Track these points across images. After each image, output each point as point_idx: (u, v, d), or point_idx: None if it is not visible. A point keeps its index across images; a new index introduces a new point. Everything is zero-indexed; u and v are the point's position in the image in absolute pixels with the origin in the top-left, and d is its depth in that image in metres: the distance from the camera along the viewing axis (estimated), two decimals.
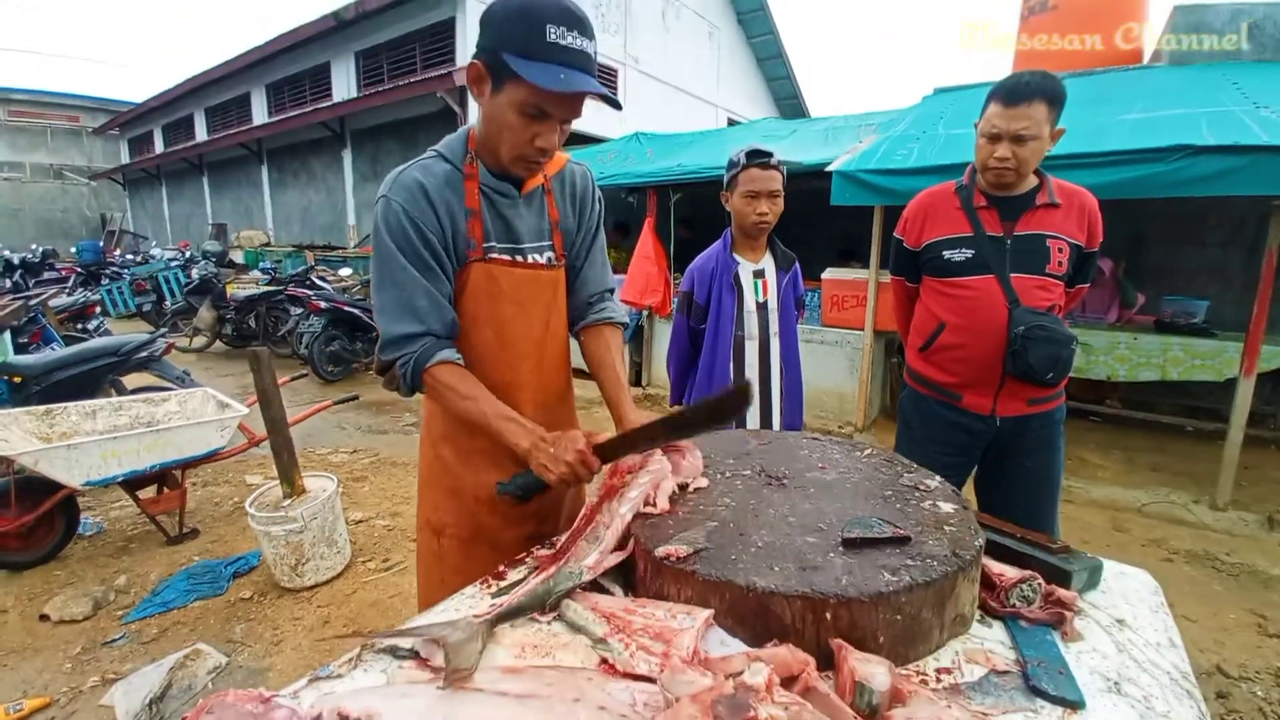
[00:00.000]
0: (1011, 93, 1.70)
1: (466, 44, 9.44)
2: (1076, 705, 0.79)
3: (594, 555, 0.99)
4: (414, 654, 0.84)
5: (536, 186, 1.31)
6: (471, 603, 1.00)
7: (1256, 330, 3.55)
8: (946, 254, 1.89)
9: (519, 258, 1.29)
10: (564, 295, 1.39)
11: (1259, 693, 2.20)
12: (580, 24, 1.07)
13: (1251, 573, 2.98)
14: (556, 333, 1.39)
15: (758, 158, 1.93)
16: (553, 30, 1.03)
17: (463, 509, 1.36)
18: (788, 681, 0.74)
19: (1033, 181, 1.85)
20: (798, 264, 2.16)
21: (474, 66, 1.11)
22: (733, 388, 1.13)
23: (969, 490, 2.02)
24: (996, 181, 1.81)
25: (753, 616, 0.86)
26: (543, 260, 1.32)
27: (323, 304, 6.58)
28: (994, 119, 1.74)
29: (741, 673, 0.71)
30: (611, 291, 1.48)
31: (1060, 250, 1.80)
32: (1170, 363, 4.36)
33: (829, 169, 4.38)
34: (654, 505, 1.06)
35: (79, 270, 10.87)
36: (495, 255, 1.26)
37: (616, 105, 1.15)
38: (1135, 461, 4.44)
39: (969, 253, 1.85)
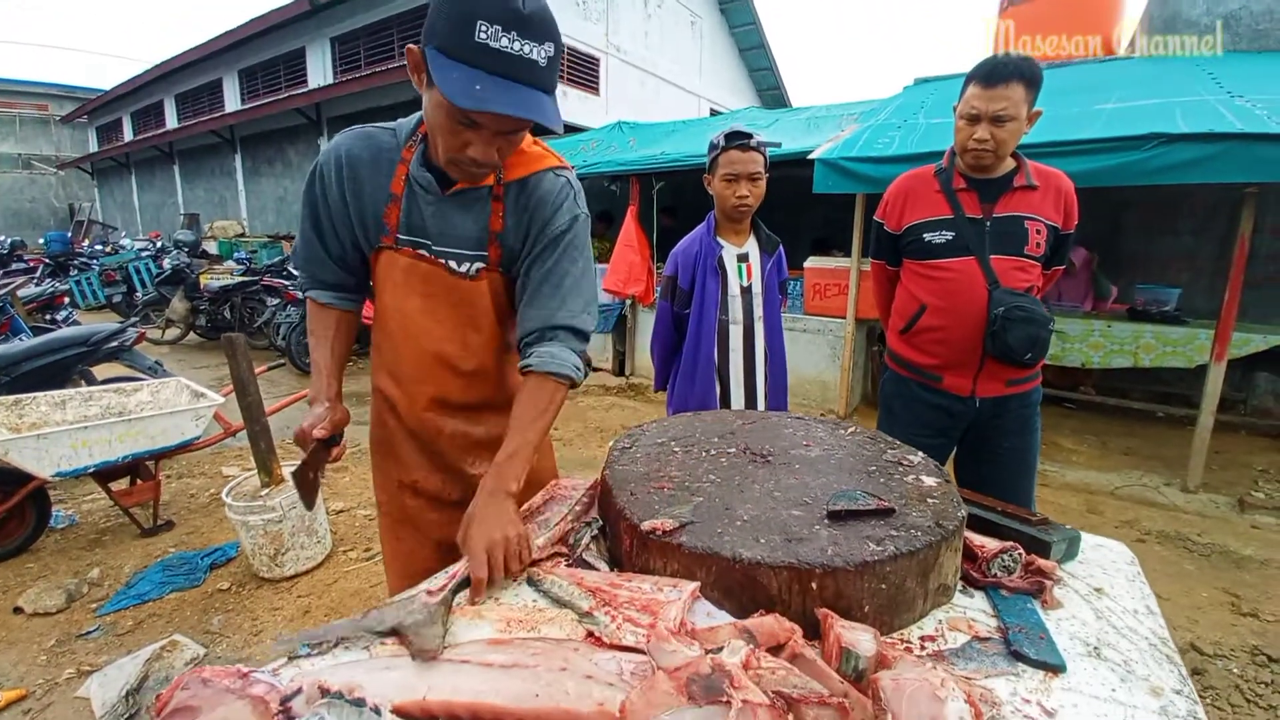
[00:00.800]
0: (990, 74, 1.70)
1: None
2: (1058, 669, 0.80)
3: (543, 538, 1.02)
4: (395, 631, 0.83)
5: (480, 189, 1.17)
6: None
7: (1227, 317, 3.63)
8: (927, 236, 1.89)
9: (427, 254, 1.20)
10: (495, 311, 1.25)
11: (1234, 670, 2.24)
12: (523, 23, 0.88)
13: (1223, 553, 3.05)
14: (478, 346, 1.26)
15: (737, 139, 1.91)
16: (483, 29, 0.86)
17: (390, 488, 1.39)
18: (775, 650, 0.75)
19: (1011, 164, 1.86)
20: (782, 248, 2.16)
21: (411, 53, 0.96)
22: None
23: (948, 471, 2.02)
24: (975, 163, 1.82)
25: (739, 588, 0.86)
26: (461, 269, 1.19)
27: (299, 294, 6.46)
28: (973, 100, 1.74)
29: (722, 648, 0.71)
30: (573, 330, 1.19)
31: (1038, 232, 1.82)
32: (1143, 350, 4.44)
33: (811, 157, 4.39)
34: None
35: (47, 261, 10.58)
36: (405, 247, 1.20)
37: (550, 130, 0.98)
38: (1108, 446, 4.53)
39: (949, 235, 1.86)
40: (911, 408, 2.01)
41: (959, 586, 0.99)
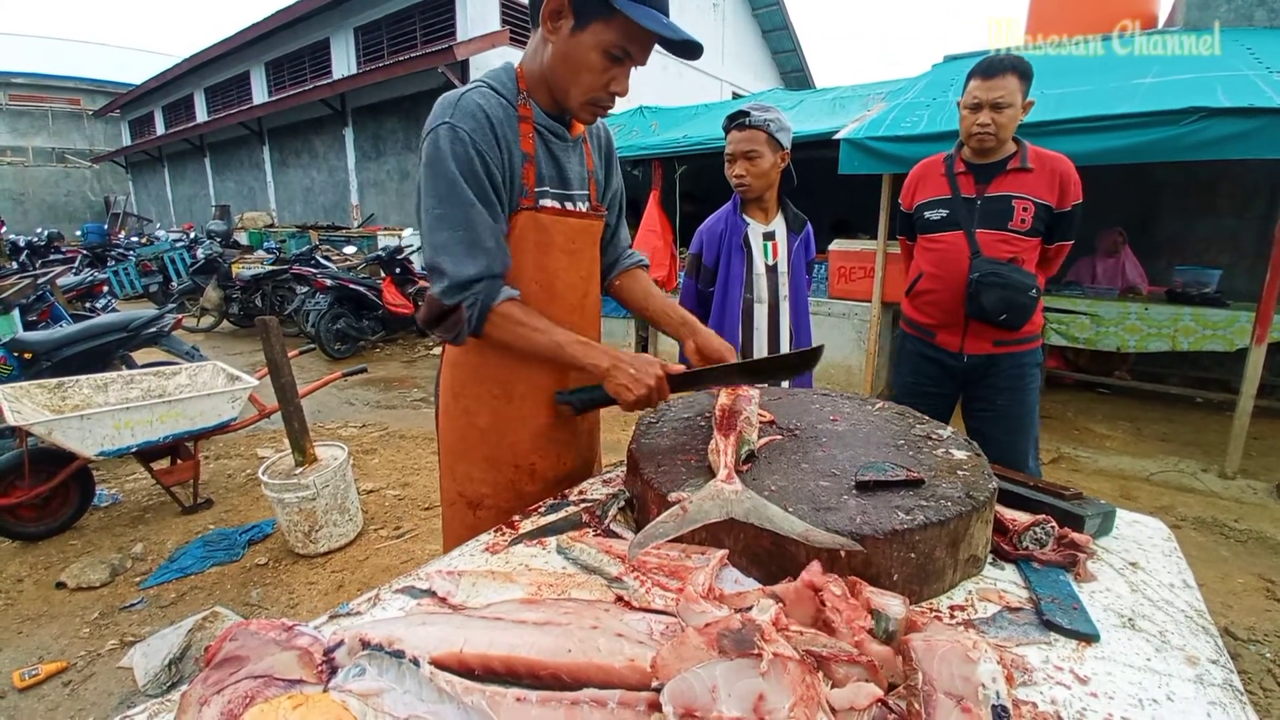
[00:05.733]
0: (988, 69, 1.97)
1: (466, 18, 9.30)
2: (1091, 638, 0.79)
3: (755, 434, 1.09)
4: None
5: (580, 133, 1.27)
6: (487, 552, 1.01)
7: (1269, 298, 3.51)
8: (927, 214, 2.18)
9: (568, 204, 1.24)
10: (599, 249, 1.39)
11: (1268, 655, 2.21)
12: None
13: (1260, 539, 2.98)
14: (595, 285, 1.38)
15: (734, 120, 1.94)
16: None
17: (501, 478, 1.31)
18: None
19: (1011, 148, 2.08)
20: (810, 227, 2.13)
21: None
22: (809, 348, 1.23)
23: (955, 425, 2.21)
24: (979, 146, 2.05)
25: (767, 556, 0.87)
26: (584, 209, 1.28)
27: (328, 282, 6.58)
28: (975, 91, 2.00)
29: (752, 608, 0.72)
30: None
31: (1025, 209, 2.03)
32: (1181, 333, 4.32)
33: (836, 137, 4.32)
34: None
35: (84, 252, 10.89)
36: (546, 204, 1.20)
37: (697, 53, 1.10)
38: (1143, 432, 4.43)
39: (944, 212, 2.14)
40: (913, 360, 2.32)
41: (990, 559, 0.98)
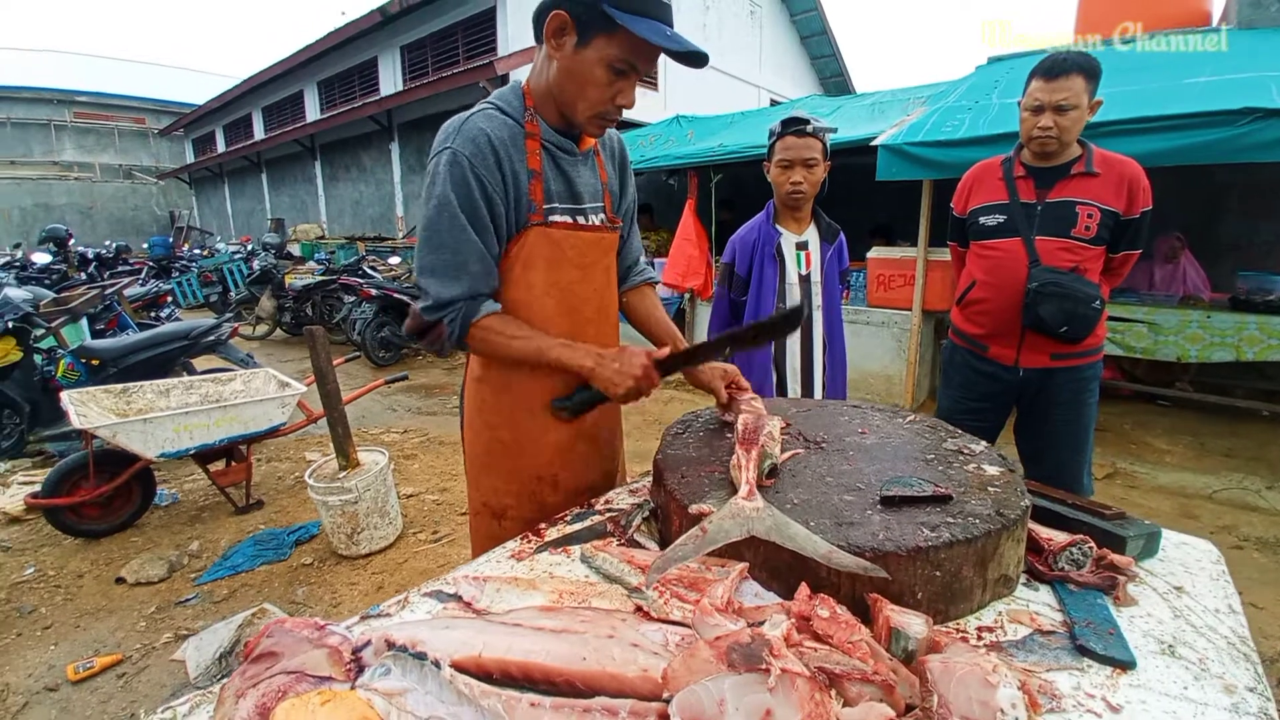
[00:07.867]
0: (1051, 68, 1.86)
1: (507, 33, 9.51)
2: (1126, 665, 0.77)
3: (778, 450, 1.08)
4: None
5: (590, 146, 1.28)
6: (513, 559, 1.03)
7: None
8: (983, 219, 2.08)
9: (579, 219, 1.24)
10: (615, 259, 1.38)
11: None
12: None
13: None
14: (612, 298, 1.38)
15: (793, 125, 1.90)
16: None
17: (524, 490, 1.32)
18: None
19: (1076, 151, 1.96)
20: (843, 236, 2.11)
21: (557, 16, 1.05)
22: (785, 309, 1.22)
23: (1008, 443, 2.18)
24: (1040, 150, 1.95)
25: (787, 570, 0.86)
26: (598, 222, 1.28)
27: (374, 291, 6.78)
28: (1036, 93, 1.90)
29: (764, 621, 0.72)
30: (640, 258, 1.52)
31: (1090, 216, 1.92)
32: (1246, 342, 4.09)
33: (874, 143, 4.26)
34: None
35: (150, 264, 11.48)
36: (556, 219, 1.20)
37: (703, 62, 1.09)
38: (1206, 447, 4.20)
39: (1001, 218, 2.04)
40: (963, 373, 2.22)
41: (1022, 579, 0.95)
